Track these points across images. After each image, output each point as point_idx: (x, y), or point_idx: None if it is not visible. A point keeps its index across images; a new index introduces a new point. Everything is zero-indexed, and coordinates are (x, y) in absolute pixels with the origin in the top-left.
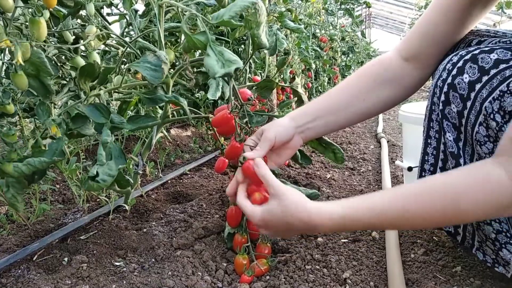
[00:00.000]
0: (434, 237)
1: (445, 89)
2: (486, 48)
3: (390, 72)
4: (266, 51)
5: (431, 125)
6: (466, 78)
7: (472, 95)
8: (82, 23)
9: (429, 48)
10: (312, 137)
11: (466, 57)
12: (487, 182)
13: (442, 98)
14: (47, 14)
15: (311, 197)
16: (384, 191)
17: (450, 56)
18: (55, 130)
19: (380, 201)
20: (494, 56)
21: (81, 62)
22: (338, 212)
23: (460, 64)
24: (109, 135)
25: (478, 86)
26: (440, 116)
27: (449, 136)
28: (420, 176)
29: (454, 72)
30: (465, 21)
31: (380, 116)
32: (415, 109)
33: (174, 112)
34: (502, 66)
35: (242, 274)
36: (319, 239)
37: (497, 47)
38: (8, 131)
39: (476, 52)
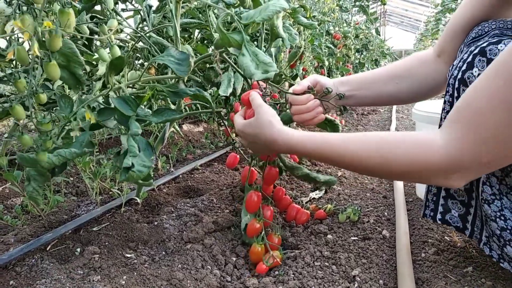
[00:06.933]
0: (445, 237)
1: (456, 85)
2: (494, 40)
3: (422, 64)
4: (272, 49)
5: (440, 123)
6: (476, 71)
7: None
8: (94, 16)
9: (455, 40)
10: (343, 105)
11: (475, 51)
12: (425, 142)
13: (455, 94)
14: (57, 7)
15: (329, 183)
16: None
17: (461, 55)
18: (89, 116)
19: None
20: (502, 46)
21: (105, 55)
22: (296, 137)
23: (469, 59)
24: (138, 127)
25: None
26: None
27: None
28: None
29: (464, 67)
30: (494, 12)
31: (394, 114)
32: (429, 108)
33: (186, 107)
34: None
35: (259, 263)
36: (329, 236)
37: (505, 37)
38: (43, 119)
39: (484, 45)
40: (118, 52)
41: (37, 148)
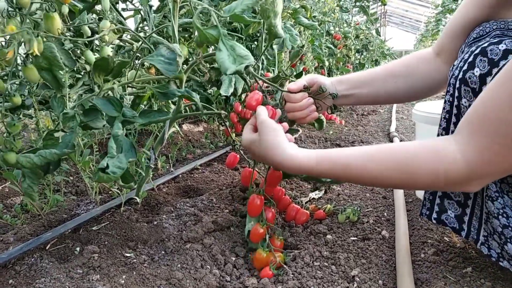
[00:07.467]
0: (445, 238)
1: (457, 85)
2: (495, 40)
3: (421, 63)
4: (275, 46)
5: (440, 123)
6: (477, 71)
7: (484, 88)
8: (99, 17)
9: (455, 40)
10: (342, 104)
11: (476, 52)
12: (440, 153)
13: (456, 94)
14: (66, 9)
15: (336, 181)
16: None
17: (462, 55)
18: (49, 123)
19: (346, 152)
20: (502, 46)
21: (91, 56)
22: (305, 163)
23: (470, 59)
24: (120, 128)
25: (489, 79)
26: (449, 113)
27: None
28: None
29: (465, 67)
30: (495, 12)
31: (394, 114)
32: (429, 108)
33: (187, 108)
34: (511, 56)
35: (265, 268)
36: (328, 236)
37: (506, 38)
38: (11, 121)
39: (485, 45)
40: (108, 52)
41: (4, 148)
